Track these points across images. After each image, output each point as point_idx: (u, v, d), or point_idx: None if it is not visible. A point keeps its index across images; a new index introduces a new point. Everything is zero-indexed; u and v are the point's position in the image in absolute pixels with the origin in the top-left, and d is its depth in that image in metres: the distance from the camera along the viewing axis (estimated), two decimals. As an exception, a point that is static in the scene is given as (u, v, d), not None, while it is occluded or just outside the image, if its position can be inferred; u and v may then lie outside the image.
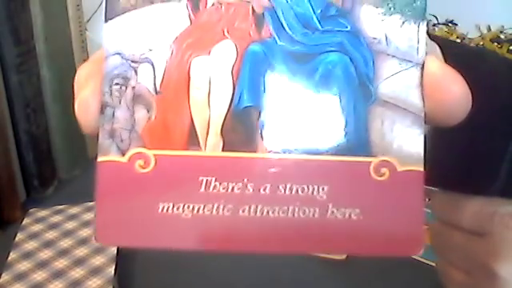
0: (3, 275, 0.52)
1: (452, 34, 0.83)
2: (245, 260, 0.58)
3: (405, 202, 0.21)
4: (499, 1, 0.83)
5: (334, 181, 0.21)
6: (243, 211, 0.21)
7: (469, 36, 0.84)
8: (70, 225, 0.60)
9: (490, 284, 0.30)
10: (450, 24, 0.85)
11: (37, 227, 0.59)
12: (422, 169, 0.21)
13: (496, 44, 0.83)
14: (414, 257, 0.56)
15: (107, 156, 0.21)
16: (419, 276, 0.54)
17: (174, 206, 0.21)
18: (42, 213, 0.62)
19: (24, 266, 0.53)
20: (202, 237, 0.21)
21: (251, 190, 0.21)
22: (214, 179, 0.21)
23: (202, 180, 0.21)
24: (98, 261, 0.54)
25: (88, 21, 0.83)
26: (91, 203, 0.63)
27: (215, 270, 0.57)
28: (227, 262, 0.58)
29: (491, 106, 0.25)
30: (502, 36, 0.84)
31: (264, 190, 0.21)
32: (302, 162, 0.21)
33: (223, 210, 0.21)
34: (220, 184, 0.21)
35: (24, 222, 0.60)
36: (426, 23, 0.22)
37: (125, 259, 0.57)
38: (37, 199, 0.68)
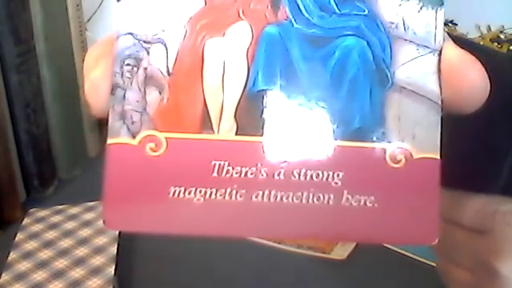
0: (3, 275, 0.52)
1: (452, 34, 0.83)
2: (245, 260, 0.58)
3: (420, 190, 0.21)
4: (499, 1, 0.83)
5: (349, 167, 0.21)
6: (256, 196, 0.20)
7: (469, 36, 0.84)
8: (69, 225, 0.60)
9: (492, 282, 0.30)
10: (450, 24, 0.85)
11: (37, 227, 0.59)
12: (438, 156, 0.21)
13: (496, 44, 0.83)
14: (414, 257, 0.56)
15: (117, 138, 0.21)
16: (419, 276, 0.54)
17: (185, 191, 0.20)
18: (42, 213, 0.62)
19: (24, 266, 0.53)
20: (215, 222, 0.21)
21: (265, 175, 0.21)
22: (226, 163, 0.20)
23: (215, 164, 0.21)
24: (98, 261, 0.54)
25: (88, 21, 0.83)
26: (91, 203, 0.63)
27: (216, 269, 0.57)
28: (228, 262, 0.58)
29: (494, 103, 0.26)
30: (502, 36, 0.84)
31: (278, 175, 0.21)
32: (316, 148, 0.21)
33: (236, 195, 0.20)
34: (233, 168, 0.20)
35: (24, 222, 0.60)
36: (443, 9, 0.22)
37: (125, 259, 0.57)
38: (37, 199, 0.68)
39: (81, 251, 0.55)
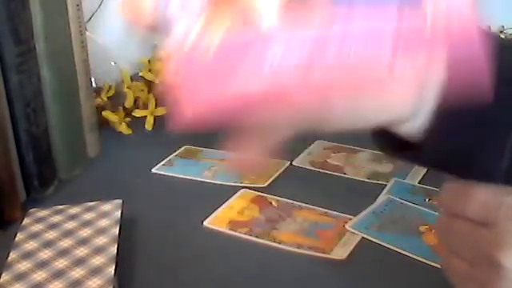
0: (3, 275, 0.52)
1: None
2: (245, 260, 0.58)
3: (466, 57, 0.23)
4: (499, 1, 0.83)
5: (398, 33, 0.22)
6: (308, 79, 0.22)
7: (469, 36, 0.84)
8: (69, 225, 0.59)
9: (494, 274, 0.30)
10: (450, 24, 0.85)
11: (37, 227, 0.59)
12: (477, 27, 0.23)
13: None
14: (413, 257, 0.56)
15: (171, 47, 0.22)
16: (419, 276, 0.54)
17: (242, 85, 0.21)
18: (42, 213, 0.62)
19: (24, 265, 0.53)
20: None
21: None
22: (276, 55, 0.21)
23: (266, 57, 0.21)
24: (97, 261, 0.54)
25: (88, 21, 0.83)
26: (91, 203, 0.63)
27: (216, 269, 0.57)
28: (227, 261, 0.58)
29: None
30: (502, 36, 0.84)
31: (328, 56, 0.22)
32: (364, 28, 0.22)
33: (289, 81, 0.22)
34: (284, 59, 0.21)
35: (24, 222, 0.60)
36: None
37: (125, 259, 0.57)
38: (37, 199, 0.68)
39: (81, 251, 0.55)
